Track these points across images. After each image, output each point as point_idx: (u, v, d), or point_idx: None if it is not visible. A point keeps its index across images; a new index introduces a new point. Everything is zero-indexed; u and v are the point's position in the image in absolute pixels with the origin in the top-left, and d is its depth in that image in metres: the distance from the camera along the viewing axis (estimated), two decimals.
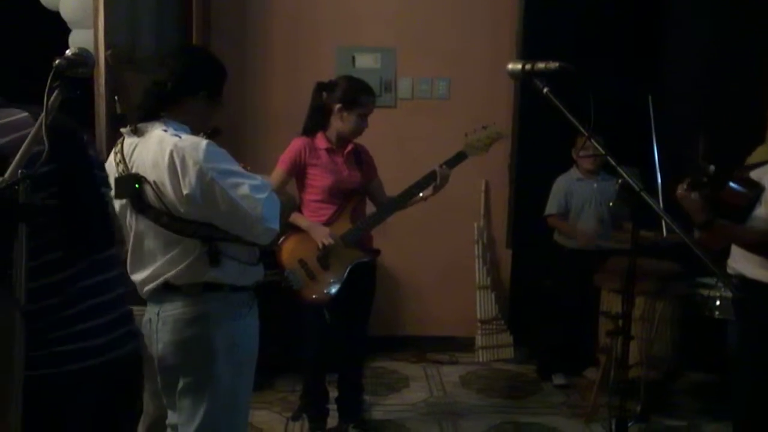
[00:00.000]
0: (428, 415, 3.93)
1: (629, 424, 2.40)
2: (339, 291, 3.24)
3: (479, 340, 4.78)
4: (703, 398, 4.13)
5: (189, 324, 2.08)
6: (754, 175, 2.58)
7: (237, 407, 2.19)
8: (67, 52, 1.56)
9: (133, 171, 2.05)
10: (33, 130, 1.43)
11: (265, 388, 4.11)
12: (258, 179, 2.05)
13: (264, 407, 3.92)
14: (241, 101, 4.61)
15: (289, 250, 3.23)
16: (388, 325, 4.84)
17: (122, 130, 2.14)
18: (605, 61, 4.26)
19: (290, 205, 2.42)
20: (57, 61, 1.51)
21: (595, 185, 4.24)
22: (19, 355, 1.35)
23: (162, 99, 2.12)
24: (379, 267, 3.65)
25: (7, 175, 1.36)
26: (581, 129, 1.84)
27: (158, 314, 2.12)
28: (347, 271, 3.26)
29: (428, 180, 3.26)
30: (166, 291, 2.10)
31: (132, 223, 2.11)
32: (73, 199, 1.56)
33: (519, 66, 1.97)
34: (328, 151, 3.31)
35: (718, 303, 3.57)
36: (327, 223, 3.26)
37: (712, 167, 2.46)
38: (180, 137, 2.01)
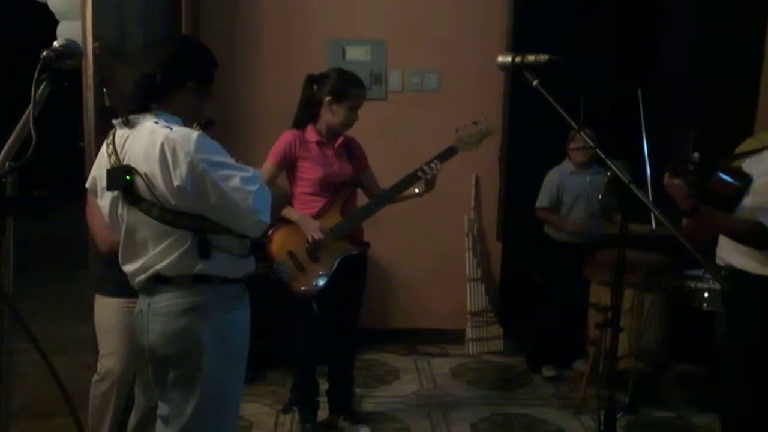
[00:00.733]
0: (419, 407, 3.94)
1: (618, 416, 2.41)
2: (328, 283, 3.24)
3: (469, 333, 4.80)
4: (692, 389, 4.16)
5: (179, 316, 2.08)
6: (745, 166, 2.59)
7: (227, 400, 2.19)
8: (55, 43, 1.56)
9: (125, 163, 2.05)
10: (22, 120, 1.42)
11: (255, 381, 4.11)
12: (249, 171, 2.04)
13: (254, 400, 3.92)
14: (230, 94, 4.58)
15: (279, 243, 3.23)
16: (379, 318, 4.84)
17: (114, 121, 2.13)
18: (596, 54, 4.27)
19: (281, 199, 2.42)
20: (45, 53, 1.51)
21: (587, 179, 4.25)
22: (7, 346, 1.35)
23: (151, 91, 2.10)
24: (370, 260, 3.65)
25: None
26: (570, 122, 1.84)
27: (149, 306, 2.12)
28: (336, 263, 3.26)
29: (418, 174, 3.26)
30: (157, 282, 2.10)
31: (123, 215, 2.10)
32: None
33: (509, 58, 1.97)
34: (319, 143, 3.30)
35: (706, 295, 3.59)
36: (317, 216, 3.26)
37: (696, 154, 2.47)
38: (171, 128, 2.00)
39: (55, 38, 2.51)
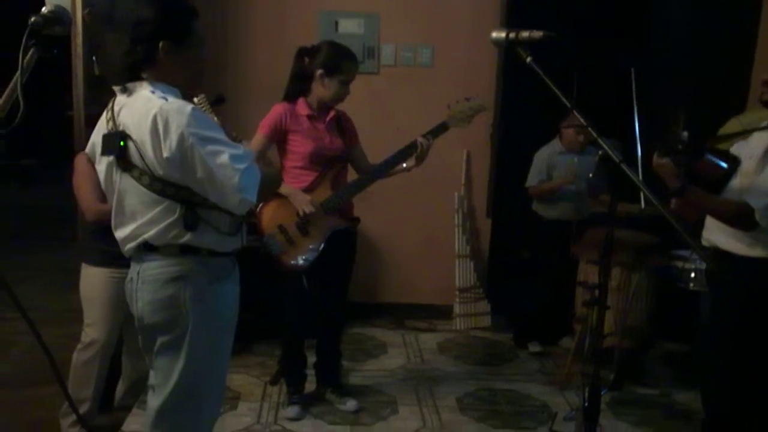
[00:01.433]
0: (405, 380, 3.97)
1: (602, 392, 2.44)
2: (317, 257, 3.24)
3: (457, 308, 4.83)
4: (675, 367, 4.22)
5: (166, 284, 2.08)
6: (733, 149, 2.59)
7: (214, 371, 2.20)
8: (43, 9, 1.53)
9: (120, 129, 2.04)
10: (9, 87, 1.40)
11: (243, 353, 4.13)
12: (240, 149, 2.02)
13: (242, 371, 3.94)
14: (222, 66, 4.54)
15: (269, 216, 3.22)
16: (367, 292, 4.86)
17: (114, 88, 2.11)
18: (589, 32, 4.25)
19: (276, 178, 2.38)
20: (33, 19, 1.48)
21: (576, 159, 4.26)
22: None
23: (134, 62, 2.08)
24: (360, 234, 3.66)
25: None
26: (564, 100, 1.84)
27: (138, 274, 2.13)
28: (326, 238, 3.26)
29: (410, 150, 3.25)
30: (146, 251, 2.10)
31: (116, 180, 2.10)
32: None
33: (503, 34, 1.96)
34: (310, 117, 3.28)
35: (693, 275, 3.62)
36: (307, 190, 3.25)
37: (685, 133, 2.47)
38: (166, 100, 1.98)
39: (43, 4, 2.47)
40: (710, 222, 2.59)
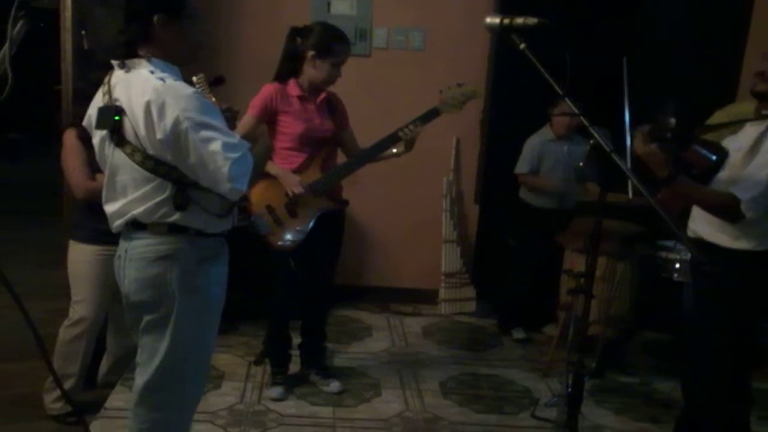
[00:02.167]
0: (389, 363, 3.99)
1: (584, 380, 2.46)
2: (305, 239, 3.24)
3: (443, 293, 4.85)
4: (657, 357, 4.26)
5: (152, 262, 2.08)
6: (724, 143, 2.60)
7: (198, 351, 2.20)
8: None
9: (116, 104, 2.02)
10: None
11: (228, 332, 4.13)
12: (235, 137, 2.01)
13: (227, 351, 3.94)
14: (214, 46, 4.49)
15: (257, 196, 3.21)
16: (354, 275, 4.87)
17: (113, 62, 2.08)
18: (582, 19, 4.24)
19: (266, 154, 2.36)
20: None
21: (566, 148, 4.27)
22: None
23: (129, 39, 2.05)
24: (348, 217, 3.66)
25: None
26: (556, 87, 1.84)
27: (126, 251, 2.13)
28: (314, 219, 3.25)
29: (394, 138, 3.24)
30: (134, 228, 2.10)
31: (108, 154, 2.09)
32: None
33: (497, 20, 1.95)
34: (300, 98, 3.27)
35: (677, 266, 3.64)
36: (297, 171, 3.24)
37: (673, 120, 2.47)
38: (164, 81, 1.96)
39: None
40: (696, 213, 2.61)
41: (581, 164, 3.56)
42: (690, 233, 2.62)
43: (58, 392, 3.04)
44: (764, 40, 4.36)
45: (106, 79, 2.10)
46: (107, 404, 3.28)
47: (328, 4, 4.61)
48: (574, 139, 4.28)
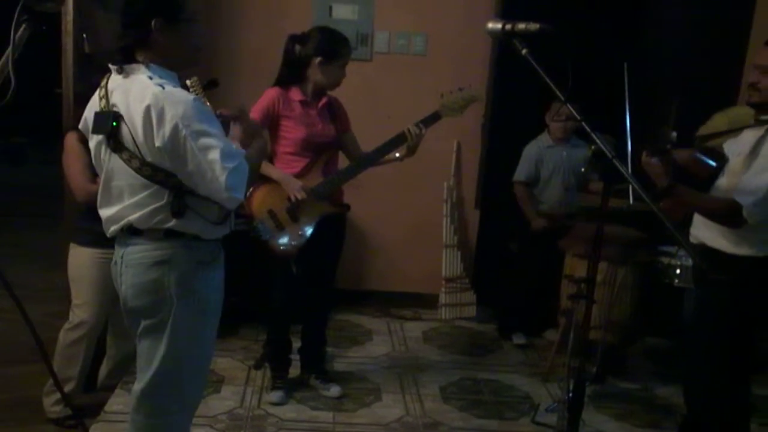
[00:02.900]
0: (389, 368, 3.99)
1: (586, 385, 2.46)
2: (306, 243, 3.24)
3: (443, 298, 4.84)
4: (657, 362, 4.26)
5: (149, 268, 2.07)
6: (725, 146, 2.60)
7: (197, 355, 2.19)
8: None
9: (114, 109, 2.01)
10: None
11: (228, 336, 4.12)
12: (233, 146, 2.01)
13: (226, 355, 3.93)
14: (214, 50, 4.51)
15: (259, 201, 3.21)
16: (354, 279, 4.87)
17: (111, 66, 2.08)
18: (583, 25, 4.24)
19: (260, 155, 2.32)
20: None
21: (565, 153, 4.27)
22: None
23: (127, 44, 2.05)
24: (348, 221, 3.65)
25: None
26: (558, 93, 1.84)
27: (122, 257, 2.12)
28: (315, 223, 3.25)
29: (401, 138, 3.24)
30: (130, 234, 2.09)
31: (105, 159, 2.08)
32: None
33: (499, 26, 1.95)
34: (303, 103, 3.27)
35: (678, 271, 3.64)
36: (299, 176, 3.24)
37: (674, 134, 2.48)
38: (163, 88, 1.95)
39: None
40: (698, 219, 2.61)
41: (583, 170, 3.56)
42: (692, 239, 2.62)
43: (57, 395, 3.03)
44: None
45: (102, 83, 2.09)
46: (107, 407, 3.27)
47: (330, 9, 4.62)
48: (573, 143, 4.28)
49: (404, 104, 4.00)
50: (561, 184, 4.27)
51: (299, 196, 3.17)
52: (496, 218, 4.82)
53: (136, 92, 1.97)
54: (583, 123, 1.84)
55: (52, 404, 3.11)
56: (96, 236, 2.90)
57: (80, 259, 3.06)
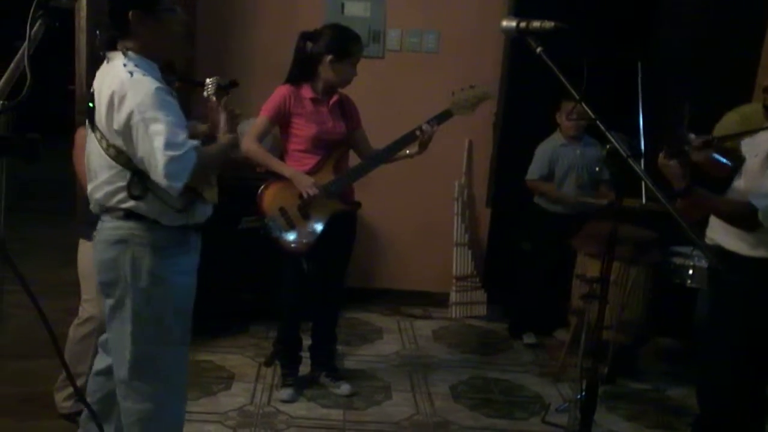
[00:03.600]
0: (400, 366, 3.98)
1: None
2: (317, 241, 3.24)
3: (453, 297, 4.83)
4: (669, 363, 4.23)
5: (110, 246, 2.17)
6: (742, 144, 2.58)
7: (170, 339, 2.24)
8: None
9: (91, 91, 2.15)
10: (15, 60, 1.39)
11: (239, 333, 4.14)
12: (180, 136, 2.02)
13: (237, 352, 3.94)
14: (226, 46, 4.51)
15: (271, 198, 3.21)
16: (365, 277, 4.86)
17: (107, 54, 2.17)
18: (597, 23, 4.22)
19: (224, 149, 2.24)
20: None
21: (578, 151, 4.25)
22: None
23: (110, 35, 2.13)
24: (359, 219, 3.65)
25: None
26: (573, 92, 1.83)
27: (96, 233, 2.23)
28: (326, 221, 3.25)
29: (413, 136, 3.24)
30: (101, 211, 2.20)
31: (89, 140, 2.20)
32: None
33: (513, 23, 1.94)
34: (314, 101, 3.27)
35: (690, 272, 3.62)
36: (310, 173, 3.24)
37: (692, 136, 2.47)
38: (132, 75, 2.03)
39: None
40: (714, 221, 2.59)
41: (597, 169, 3.54)
42: (708, 241, 2.61)
43: (69, 390, 3.04)
44: None
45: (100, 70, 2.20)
46: None
47: (342, 6, 4.61)
48: (586, 141, 4.26)
49: (416, 102, 3.99)
50: (575, 182, 4.25)
51: (311, 193, 3.17)
52: (507, 217, 4.81)
53: (108, 77, 2.07)
54: (598, 122, 1.82)
55: (63, 399, 3.12)
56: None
57: (89, 254, 3.06)
